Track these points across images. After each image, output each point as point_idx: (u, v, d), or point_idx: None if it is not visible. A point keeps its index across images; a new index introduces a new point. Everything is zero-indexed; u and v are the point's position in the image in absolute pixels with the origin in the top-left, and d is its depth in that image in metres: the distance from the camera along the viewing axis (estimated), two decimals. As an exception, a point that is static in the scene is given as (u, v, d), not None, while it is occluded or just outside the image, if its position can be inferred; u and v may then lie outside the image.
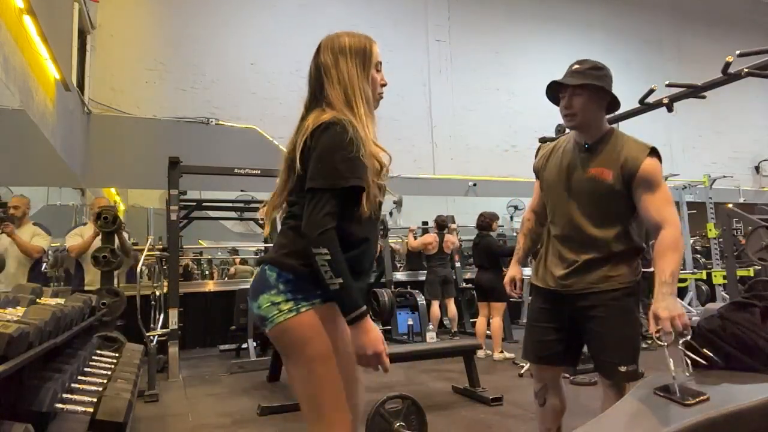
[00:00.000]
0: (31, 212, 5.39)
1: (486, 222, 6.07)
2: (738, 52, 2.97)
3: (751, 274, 6.15)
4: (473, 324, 6.68)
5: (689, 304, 6.88)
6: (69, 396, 2.14)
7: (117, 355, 3.15)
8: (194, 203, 7.18)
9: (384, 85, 1.55)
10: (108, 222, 4.47)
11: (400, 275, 8.57)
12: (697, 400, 1.41)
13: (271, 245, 1.58)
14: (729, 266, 5.45)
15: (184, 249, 7.53)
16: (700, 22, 12.25)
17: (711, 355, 1.69)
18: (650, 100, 3.56)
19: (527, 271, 3.50)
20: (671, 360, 1.57)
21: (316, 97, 1.49)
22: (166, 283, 5.78)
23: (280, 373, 4.69)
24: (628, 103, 3.34)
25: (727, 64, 3.06)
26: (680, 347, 1.66)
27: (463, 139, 9.70)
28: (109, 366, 2.82)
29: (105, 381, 2.43)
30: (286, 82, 8.15)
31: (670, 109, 3.48)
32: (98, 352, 3.14)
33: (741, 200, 10.91)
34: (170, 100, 7.88)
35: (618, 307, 1.96)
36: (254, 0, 8.59)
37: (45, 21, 3.91)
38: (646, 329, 3.00)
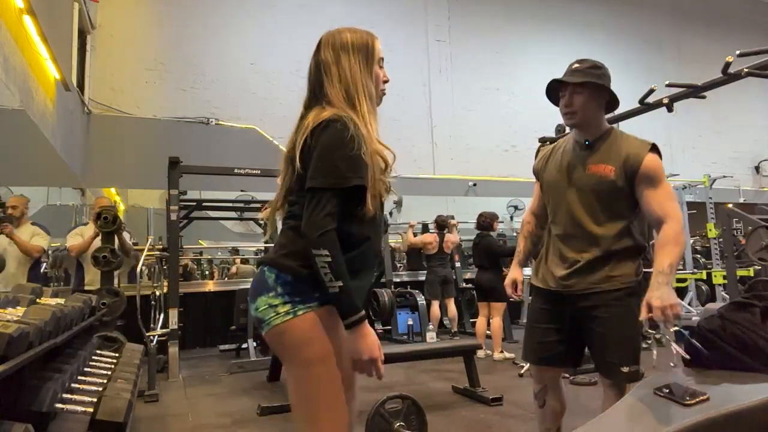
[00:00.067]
0: (31, 212, 5.39)
1: (487, 222, 6.07)
2: (738, 52, 2.97)
3: (751, 274, 6.15)
4: (473, 324, 6.68)
5: (689, 304, 6.87)
6: (69, 396, 2.14)
7: (117, 355, 3.15)
8: (194, 203, 7.18)
9: (386, 81, 1.53)
10: (108, 222, 4.47)
11: (399, 275, 8.57)
12: (697, 400, 1.41)
13: (272, 245, 1.52)
14: (729, 266, 5.45)
15: (184, 249, 7.53)
16: (700, 22, 12.25)
17: (687, 356, 1.73)
18: (650, 100, 3.56)
19: (527, 271, 3.50)
20: (655, 351, 1.66)
21: (316, 95, 1.46)
22: (166, 283, 5.79)
23: (280, 373, 4.69)
24: (628, 103, 3.34)
25: (727, 64, 3.06)
26: (670, 338, 1.70)
27: (463, 139, 9.71)
28: (109, 366, 2.82)
29: (105, 381, 2.43)
30: (286, 82, 8.15)
31: (670, 109, 3.48)
32: (98, 352, 3.14)
33: (741, 200, 10.91)
34: (170, 100, 7.88)
35: (620, 307, 1.95)
36: (254, 0, 8.59)
37: (45, 21, 3.91)
38: (645, 329, 3.00)
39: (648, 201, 1.92)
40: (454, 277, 7.20)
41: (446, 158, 9.52)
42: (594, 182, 2.00)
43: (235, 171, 6.01)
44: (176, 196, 5.64)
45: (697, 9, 12.31)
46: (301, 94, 1.51)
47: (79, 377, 2.46)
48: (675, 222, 1.87)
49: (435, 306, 6.80)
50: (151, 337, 5.01)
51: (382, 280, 7.39)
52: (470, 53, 10.04)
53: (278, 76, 8.33)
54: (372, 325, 1.41)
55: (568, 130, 2.16)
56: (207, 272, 9.70)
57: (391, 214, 8.80)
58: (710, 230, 6.67)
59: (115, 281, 4.72)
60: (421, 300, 6.90)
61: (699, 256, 8.45)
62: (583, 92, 1.99)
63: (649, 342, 4.28)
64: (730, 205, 5.85)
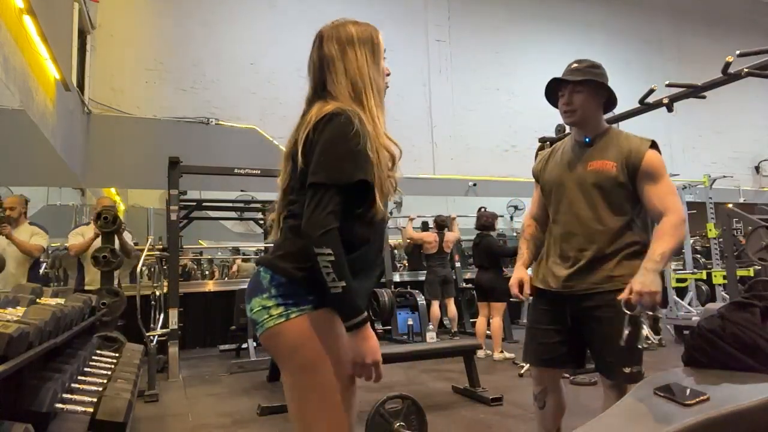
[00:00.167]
0: (31, 212, 5.37)
1: (489, 222, 6.08)
2: (738, 52, 2.97)
3: (751, 274, 6.14)
4: (473, 324, 6.68)
5: (689, 304, 6.87)
6: (69, 396, 2.14)
7: (117, 355, 3.15)
8: (194, 203, 7.18)
9: (388, 74, 1.48)
10: (108, 222, 4.46)
11: (400, 275, 8.57)
12: (697, 400, 1.41)
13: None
14: (729, 266, 5.44)
15: (184, 249, 7.53)
16: (700, 22, 12.25)
17: (654, 340, 1.78)
18: (650, 100, 3.56)
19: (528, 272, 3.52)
20: (627, 330, 1.72)
21: (319, 90, 1.41)
22: (166, 283, 5.79)
23: (280, 373, 4.69)
24: (628, 103, 3.35)
25: (727, 64, 3.06)
26: (643, 321, 1.74)
27: (463, 139, 9.71)
28: (109, 366, 2.82)
29: (105, 381, 2.43)
30: (286, 82, 8.14)
31: (670, 109, 3.48)
32: (98, 352, 3.14)
33: (741, 200, 10.91)
34: (170, 100, 7.88)
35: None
36: (254, 0, 8.59)
37: (45, 21, 3.91)
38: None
39: (649, 196, 1.94)
40: (454, 277, 7.20)
41: (446, 158, 9.52)
42: (595, 178, 2.01)
43: (235, 171, 6.01)
44: (176, 196, 5.64)
45: (697, 9, 12.31)
46: (301, 94, 1.48)
47: (79, 377, 2.46)
48: (674, 215, 1.88)
49: (435, 306, 6.80)
50: (151, 337, 5.01)
51: (382, 280, 7.39)
52: (470, 53, 10.04)
53: (278, 76, 8.33)
54: (372, 326, 1.37)
55: (568, 129, 2.16)
56: (207, 272, 9.69)
57: (391, 213, 8.80)
58: (710, 230, 6.66)
59: (115, 281, 4.71)
60: (421, 300, 6.90)
61: (699, 256, 8.45)
62: (582, 90, 2.02)
63: (649, 342, 4.28)
64: (730, 205, 5.85)
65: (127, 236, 5.10)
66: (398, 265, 9.23)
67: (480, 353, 5.26)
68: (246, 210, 7.92)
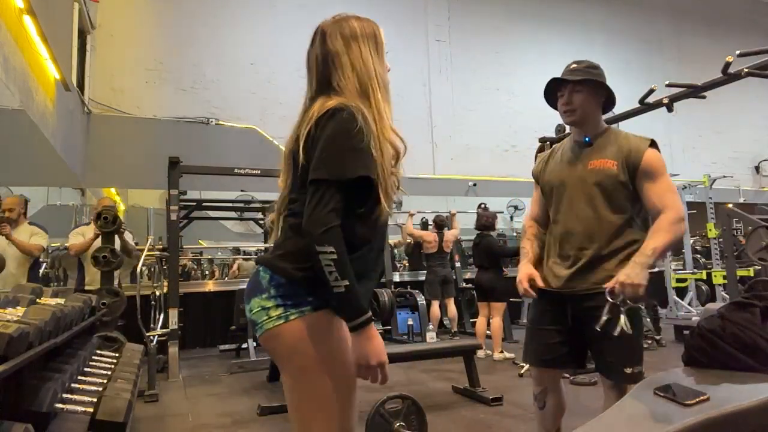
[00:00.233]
0: (31, 212, 5.37)
1: (489, 222, 6.08)
2: (738, 52, 2.97)
3: (751, 274, 6.14)
4: (473, 324, 6.68)
5: (689, 304, 6.87)
6: (69, 396, 2.14)
7: (117, 355, 3.15)
8: (194, 203, 7.19)
9: (389, 70, 1.47)
10: (108, 222, 4.46)
11: (400, 275, 8.57)
12: (697, 400, 1.40)
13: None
14: (729, 266, 5.44)
15: (184, 249, 7.54)
16: (700, 22, 12.25)
17: (628, 330, 1.79)
18: (650, 100, 3.56)
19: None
20: (605, 317, 1.78)
21: (322, 87, 1.38)
22: (166, 283, 5.79)
23: (280, 373, 4.69)
24: (628, 103, 3.35)
25: (727, 64, 3.06)
26: (623, 310, 1.78)
27: (463, 139, 9.70)
28: (109, 366, 2.82)
29: (105, 381, 2.43)
30: (286, 82, 8.14)
31: (670, 109, 3.48)
32: (98, 352, 3.14)
33: (741, 200, 10.91)
34: (170, 100, 7.88)
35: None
36: (254, 0, 8.59)
37: (45, 21, 3.91)
38: (646, 329, 3.01)
39: (648, 194, 1.95)
40: (454, 277, 7.20)
41: (446, 158, 9.52)
42: (596, 177, 2.01)
43: (235, 171, 6.02)
44: (176, 196, 5.64)
45: (697, 9, 12.31)
46: (301, 94, 1.46)
47: (79, 377, 2.46)
48: (673, 212, 1.88)
49: (435, 306, 6.80)
50: (151, 337, 5.01)
51: (382, 280, 7.39)
52: (470, 53, 10.03)
53: (278, 76, 8.33)
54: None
55: (568, 129, 2.17)
56: (207, 272, 9.69)
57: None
58: (710, 230, 6.66)
59: (116, 281, 4.71)
60: (421, 300, 6.90)
61: (699, 256, 8.45)
62: (582, 90, 2.04)
63: (649, 342, 4.29)
64: (730, 205, 5.84)
65: (128, 236, 5.11)
66: (398, 265, 9.23)
67: (480, 353, 5.26)
68: (246, 210, 7.92)
